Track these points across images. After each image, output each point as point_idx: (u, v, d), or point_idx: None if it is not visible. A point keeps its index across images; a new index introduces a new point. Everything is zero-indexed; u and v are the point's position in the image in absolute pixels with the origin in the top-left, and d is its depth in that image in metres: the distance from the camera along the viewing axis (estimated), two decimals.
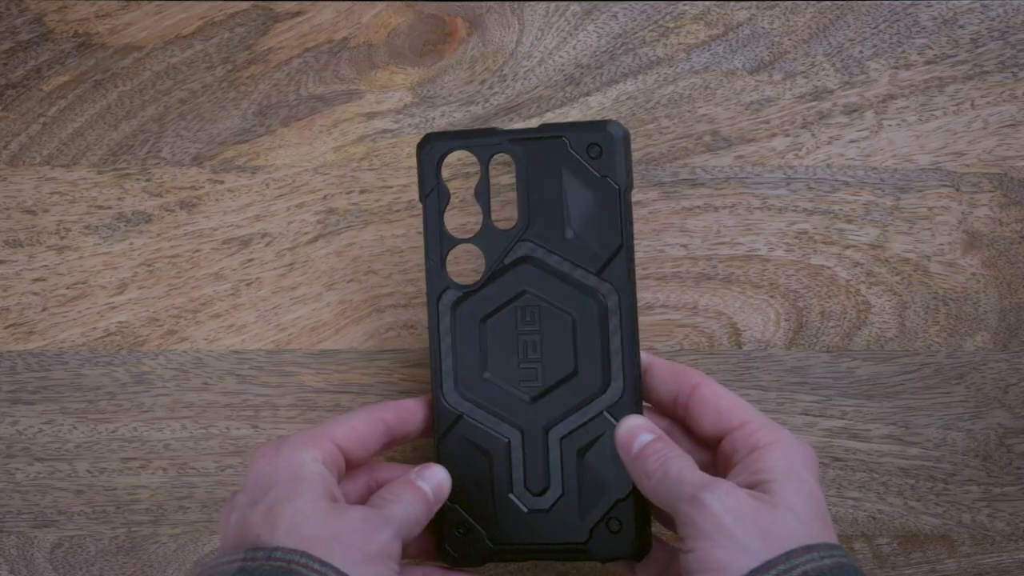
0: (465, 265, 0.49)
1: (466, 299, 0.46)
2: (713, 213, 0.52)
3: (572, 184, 0.45)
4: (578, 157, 0.45)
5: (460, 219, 0.50)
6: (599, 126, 0.45)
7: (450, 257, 0.46)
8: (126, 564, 0.52)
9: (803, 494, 0.40)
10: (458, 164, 0.51)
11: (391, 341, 0.52)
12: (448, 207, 0.46)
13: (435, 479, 0.44)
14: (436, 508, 0.44)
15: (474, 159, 0.46)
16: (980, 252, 0.52)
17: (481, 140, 0.46)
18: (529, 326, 0.45)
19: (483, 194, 0.46)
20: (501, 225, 0.46)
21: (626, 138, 0.45)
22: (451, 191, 0.47)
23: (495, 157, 0.46)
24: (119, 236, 0.52)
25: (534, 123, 0.52)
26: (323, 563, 0.38)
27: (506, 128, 0.48)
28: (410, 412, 0.46)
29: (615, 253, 0.45)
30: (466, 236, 0.46)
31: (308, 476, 0.41)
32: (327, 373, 0.52)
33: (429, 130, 0.52)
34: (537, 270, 0.45)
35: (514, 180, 0.46)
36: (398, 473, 0.46)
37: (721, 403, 0.44)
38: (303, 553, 0.38)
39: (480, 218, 0.46)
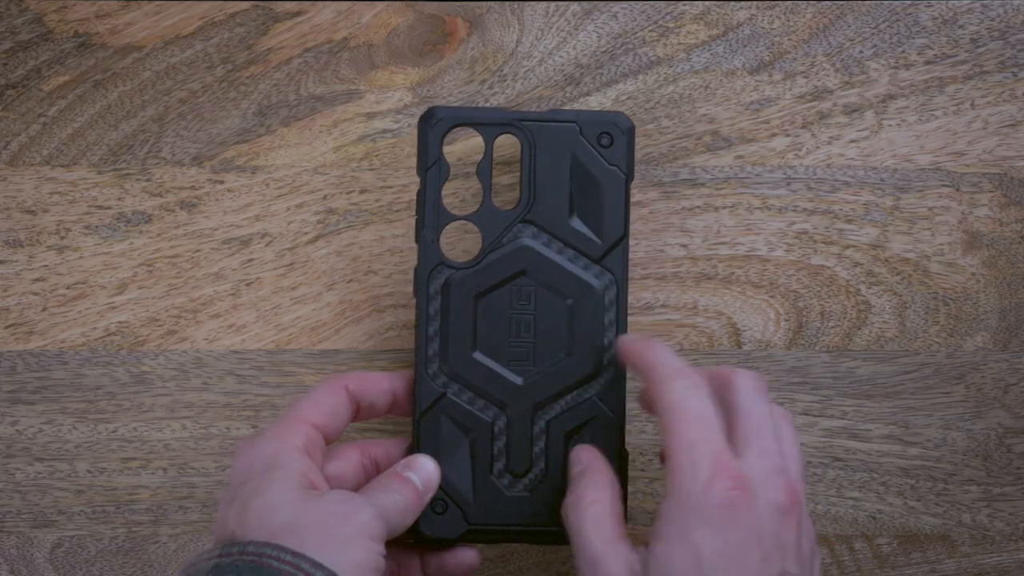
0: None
1: (459, 276, 0.45)
2: (713, 213, 0.52)
3: (580, 170, 0.45)
4: (589, 144, 0.45)
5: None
6: (610, 116, 0.46)
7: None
8: (126, 564, 0.52)
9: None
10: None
11: (391, 341, 0.52)
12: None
13: (423, 470, 0.44)
14: (427, 498, 0.44)
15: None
16: (980, 252, 0.52)
17: (489, 118, 0.46)
18: (524, 307, 0.45)
19: (485, 173, 0.46)
20: (499, 205, 0.46)
21: (633, 130, 0.46)
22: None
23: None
24: (119, 236, 0.52)
25: None
26: (296, 554, 0.38)
27: (512, 109, 0.48)
28: (373, 381, 0.45)
29: (616, 243, 0.45)
30: (460, 213, 0.46)
31: (282, 465, 0.41)
32: (327, 373, 0.52)
33: None
34: (536, 252, 0.45)
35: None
36: (390, 448, 0.45)
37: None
38: (275, 546, 0.38)
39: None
